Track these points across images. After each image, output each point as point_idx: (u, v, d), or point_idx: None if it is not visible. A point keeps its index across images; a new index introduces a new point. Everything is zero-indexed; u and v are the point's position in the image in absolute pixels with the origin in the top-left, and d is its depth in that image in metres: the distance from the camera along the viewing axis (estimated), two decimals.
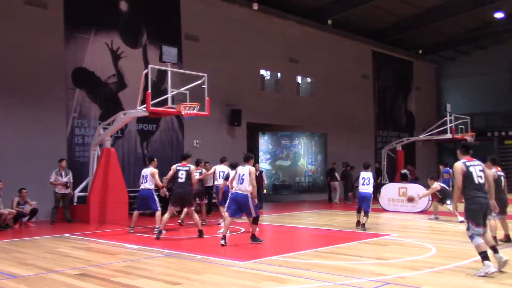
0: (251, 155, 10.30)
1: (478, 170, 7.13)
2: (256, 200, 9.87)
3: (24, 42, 14.80)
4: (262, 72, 22.95)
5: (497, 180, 9.53)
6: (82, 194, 14.87)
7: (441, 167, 21.74)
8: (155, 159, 12.24)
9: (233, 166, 11.64)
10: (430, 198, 15.39)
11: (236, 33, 20.62)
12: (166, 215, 10.79)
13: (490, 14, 25.82)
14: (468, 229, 7.01)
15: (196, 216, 10.88)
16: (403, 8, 24.66)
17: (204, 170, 13.49)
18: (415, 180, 21.63)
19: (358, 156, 24.18)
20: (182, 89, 13.25)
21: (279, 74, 23.54)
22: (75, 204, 14.83)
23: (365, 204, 12.03)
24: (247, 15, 21.01)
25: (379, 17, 25.44)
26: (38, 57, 15.10)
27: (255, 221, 9.82)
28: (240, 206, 9.71)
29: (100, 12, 16.53)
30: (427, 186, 15.53)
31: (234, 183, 10.03)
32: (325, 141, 24.10)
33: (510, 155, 30.18)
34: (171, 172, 11.07)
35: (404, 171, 21.42)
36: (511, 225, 10.12)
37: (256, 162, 18.66)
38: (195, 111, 12.51)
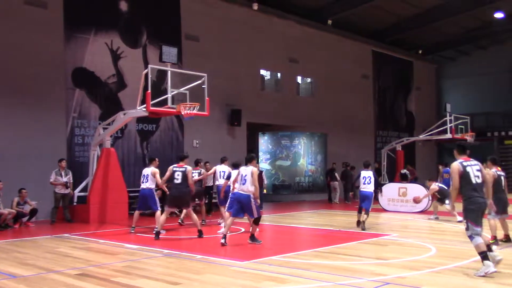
0: (254, 156, 10.34)
1: (475, 170, 7.12)
2: (258, 201, 9.88)
3: (24, 42, 14.80)
4: (262, 72, 22.95)
5: (497, 180, 9.54)
6: (82, 194, 14.87)
7: (440, 167, 21.75)
8: (156, 159, 12.25)
9: (235, 166, 11.67)
10: (430, 198, 15.39)
11: (236, 33, 20.62)
12: (163, 216, 10.79)
13: (490, 14, 25.82)
14: (467, 229, 7.01)
15: (194, 216, 10.87)
16: (403, 8, 24.67)
17: (203, 170, 13.47)
18: (414, 180, 21.63)
19: (358, 156, 24.16)
20: (182, 89, 13.25)
21: (279, 74, 23.54)
22: (75, 204, 14.83)
23: (366, 203, 12.10)
24: (247, 15, 21.01)
25: (379, 17, 25.44)
26: (38, 57, 15.10)
27: (256, 221, 9.83)
28: (242, 206, 9.74)
29: (100, 12, 16.53)
30: (426, 188, 15.55)
31: (237, 184, 10.05)
32: (325, 141, 24.11)
33: (510, 155, 30.19)
34: (168, 173, 11.06)
35: (404, 171, 21.42)
36: (511, 225, 10.10)
37: (256, 162, 18.66)
38: (195, 111, 12.51)
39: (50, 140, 15.15)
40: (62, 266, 7.88)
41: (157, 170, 11.72)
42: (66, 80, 15.70)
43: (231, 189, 11.17)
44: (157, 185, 11.84)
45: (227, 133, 20.29)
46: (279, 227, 13.25)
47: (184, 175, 10.73)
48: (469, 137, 23.61)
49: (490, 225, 9.56)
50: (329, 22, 23.99)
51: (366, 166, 12.64)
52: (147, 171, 11.87)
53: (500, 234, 9.75)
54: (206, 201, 16.36)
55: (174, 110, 12.79)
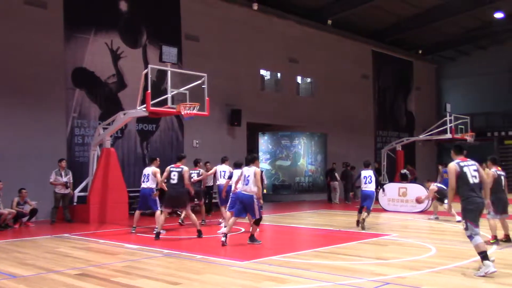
0: (256, 156, 10.35)
1: (473, 170, 7.13)
2: (261, 201, 9.88)
3: (24, 42, 14.80)
4: (262, 72, 22.96)
5: (497, 180, 9.54)
6: (82, 194, 14.87)
7: (440, 167, 21.74)
8: (157, 158, 12.26)
9: (237, 165, 11.70)
10: (430, 198, 15.40)
11: (236, 33, 20.62)
12: (161, 216, 10.78)
13: (490, 14, 25.83)
14: (466, 229, 7.01)
15: (193, 216, 10.86)
16: (403, 8, 24.67)
17: (202, 171, 13.44)
18: (414, 180, 21.63)
19: (358, 156, 24.16)
20: (182, 89, 13.25)
21: (279, 74, 23.54)
22: (75, 204, 14.83)
23: (367, 202, 12.19)
24: (247, 15, 21.01)
25: (379, 17, 25.45)
26: (38, 57, 15.10)
27: (257, 222, 9.83)
28: (245, 206, 9.75)
29: (100, 12, 16.54)
30: (426, 188, 15.58)
31: (239, 184, 10.08)
32: (325, 141, 24.11)
33: (510, 155, 30.19)
34: (165, 174, 11.07)
35: (404, 171, 21.41)
36: (511, 225, 10.10)
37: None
38: (195, 111, 12.50)
39: (50, 140, 15.15)
40: (62, 266, 7.88)
41: (157, 170, 11.72)
42: (66, 80, 15.70)
43: (232, 189, 11.20)
44: (157, 185, 11.84)
45: (227, 133, 20.29)
46: (279, 227, 13.25)
47: (180, 175, 10.71)
48: (469, 137, 23.62)
49: (490, 225, 9.57)
50: (329, 22, 24.00)
51: (366, 166, 12.70)
52: (148, 170, 11.88)
53: (500, 234, 9.75)
54: (207, 201, 16.39)
55: (174, 110, 12.79)
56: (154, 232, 10.82)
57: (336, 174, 21.28)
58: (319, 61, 24.22)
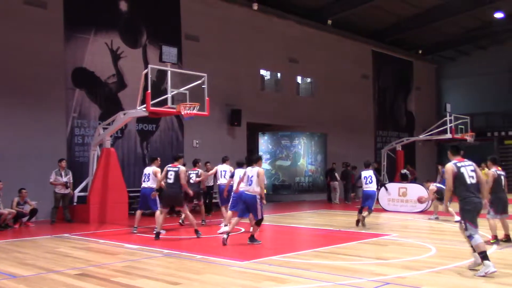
0: (260, 156, 10.37)
1: (470, 170, 7.15)
2: (264, 201, 9.89)
3: (24, 42, 14.80)
4: (262, 72, 22.95)
5: (497, 180, 9.55)
6: (82, 194, 14.87)
7: (439, 167, 21.77)
8: (158, 158, 12.25)
9: (239, 164, 11.72)
10: (431, 199, 15.40)
11: (236, 33, 20.62)
12: (161, 216, 10.77)
13: (490, 14, 25.83)
14: (466, 229, 7.03)
15: (190, 216, 10.84)
16: (403, 8, 24.66)
17: (201, 171, 13.34)
18: (414, 180, 21.63)
19: (358, 156, 24.15)
20: (182, 89, 13.25)
21: (279, 74, 23.54)
22: (75, 204, 14.83)
23: (369, 202, 12.36)
24: (247, 15, 21.01)
25: (379, 17, 25.44)
26: (38, 57, 15.10)
27: (258, 222, 9.83)
28: (248, 206, 9.76)
29: (100, 12, 16.53)
30: (426, 188, 15.60)
31: (243, 184, 10.11)
32: (325, 141, 24.11)
33: (510, 155, 30.18)
34: (163, 173, 11.09)
35: (404, 171, 21.41)
36: (511, 225, 10.10)
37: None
38: (195, 111, 12.50)
39: (50, 140, 15.15)
40: (62, 266, 7.88)
41: (158, 170, 11.71)
42: (66, 80, 15.70)
43: (233, 189, 11.23)
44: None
45: (227, 133, 20.28)
46: (279, 227, 13.25)
47: (177, 175, 10.69)
48: (469, 137, 23.62)
49: (490, 225, 9.57)
50: (329, 22, 23.99)
51: (367, 166, 12.81)
52: (148, 170, 11.88)
53: (501, 234, 9.75)
54: (207, 201, 16.39)
55: (174, 110, 12.78)
56: (154, 232, 10.82)
57: (336, 174, 21.28)
58: (319, 61, 24.22)
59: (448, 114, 23.13)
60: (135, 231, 11.59)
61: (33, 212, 13.65)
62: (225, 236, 9.63)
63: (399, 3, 24.08)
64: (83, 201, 14.66)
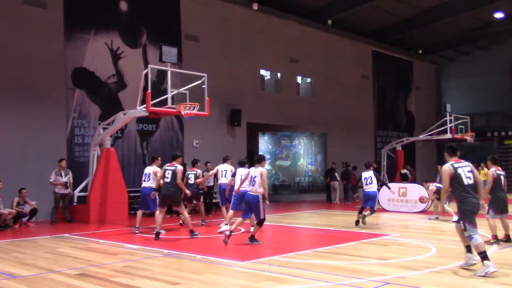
0: (264, 157, 10.36)
1: (467, 171, 7.18)
2: (267, 202, 9.89)
3: (24, 42, 14.80)
4: (262, 72, 22.94)
5: (496, 179, 9.55)
6: (82, 194, 14.88)
7: (439, 167, 21.79)
8: (158, 157, 12.25)
9: (241, 164, 11.75)
10: (432, 199, 15.40)
11: (236, 33, 20.62)
12: (160, 216, 10.75)
13: (490, 14, 25.84)
14: (465, 230, 7.05)
15: (186, 216, 10.83)
16: (403, 8, 24.67)
17: (199, 171, 13.27)
18: (414, 180, 21.65)
19: (358, 156, 24.20)
20: (182, 89, 13.25)
21: (279, 74, 23.54)
22: (75, 204, 14.83)
23: (370, 203, 12.48)
24: (247, 15, 21.01)
25: (379, 17, 25.44)
26: (38, 57, 15.10)
27: (260, 223, 9.82)
28: (250, 206, 9.76)
29: (100, 12, 16.53)
30: (426, 189, 15.61)
31: (246, 184, 10.15)
32: (325, 141, 24.11)
33: (510, 155, 30.20)
34: (161, 173, 11.10)
35: (405, 171, 21.45)
36: (511, 225, 10.10)
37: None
38: (195, 111, 12.50)
39: (50, 140, 15.15)
40: (62, 266, 7.88)
41: (158, 169, 11.70)
42: (66, 80, 15.69)
43: (235, 188, 11.27)
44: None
45: (227, 133, 20.28)
46: (279, 227, 13.25)
47: (174, 174, 10.69)
48: (469, 137, 23.62)
49: (490, 225, 9.57)
50: (329, 22, 23.99)
51: (367, 167, 12.97)
52: (149, 170, 11.89)
53: (501, 234, 9.75)
54: (207, 201, 16.40)
55: (174, 110, 12.78)
56: (154, 232, 10.82)
57: (336, 174, 21.28)
58: (319, 61, 24.22)
59: (448, 114, 23.13)
60: (136, 231, 11.58)
61: (33, 212, 13.65)
62: (227, 233, 9.67)
63: (399, 3, 24.09)
64: (83, 201, 14.66)
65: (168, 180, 10.71)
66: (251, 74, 21.51)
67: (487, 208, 9.57)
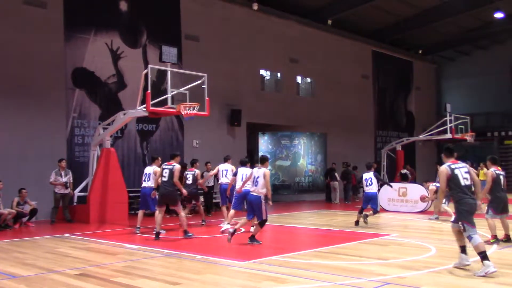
0: (267, 157, 10.37)
1: (464, 172, 7.23)
2: (270, 202, 9.90)
3: (24, 42, 14.80)
4: (262, 72, 22.94)
5: (496, 179, 9.56)
6: (82, 194, 14.87)
7: (439, 167, 21.77)
8: (159, 157, 12.24)
9: (243, 163, 11.77)
10: (432, 199, 15.41)
11: (236, 33, 20.62)
12: (159, 216, 10.74)
13: (490, 14, 25.84)
14: (464, 230, 7.07)
15: (182, 216, 10.79)
16: (403, 8, 24.67)
17: (197, 171, 13.19)
18: (414, 181, 21.65)
19: (358, 156, 24.24)
20: (182, 89, 13.25)
21: (279, 74, 23.54)
22: (75, 204, 14.83)
23: (372, 204, 12.61)
24: (247, 15, 21.01)
25: (379, 17, 25.44)
26: (38, 57, 15.09)
27: (262, 223, 9.82)
28: (252, 207, 9.79)
29: (100, 12, 16.53)
30: (426, 189, 15.62)
31: (249, 184, 10.19)
32: (325, 141, 24.11)
33: (510, 155, 30.20)
34: (159, 172, 11.10)
35: (405, 171, 21.44)
36: (511, 225, 10.10)
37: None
38: (195, 111, 12.50)
39: (50, 140, 15.15)
40: (62, 266, 7.88)
41: (158, 169, 11.69)
42: (66, 80, 15.69)
43: (236, 188, 11.30)
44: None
45: (227, 133, 20.28)
46: (279, 227, 13.25)
47: (171, 173, 10.68)
48: (469, 137, 23.62)
49: (489, 225, 9.58)
50: (329, 22, 23.99)
51: (368, 168, 13.07)
52: (149, 169, 11.89)
53: (501, 234, 9.75)
54: (208, 201, 16.39)
55: (174, 110, 12.77)
56: (154, 232, 10.82)
57: (336, 174, 21.28)
58: (319, 61, 24.22)
59: (448, 114, 23.13)
60: (138, 231, 11.57)
61: (33, 212, 13.65)
62: (231, 230, 9.71)
63: (399, 3, 24.09)
64: (83, 201, 14.66)
65: (165, 179, 10.71)
66: (251, 74, 21.51)
67: (486, 208, 9.59)
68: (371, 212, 12.71)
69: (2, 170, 13.44)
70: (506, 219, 9.82)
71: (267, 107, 21.74)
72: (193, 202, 13.26)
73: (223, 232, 11.33)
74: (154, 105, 12.57)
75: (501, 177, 9.69)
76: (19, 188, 13.48)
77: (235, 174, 11.90)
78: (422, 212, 16.08)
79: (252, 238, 9.80)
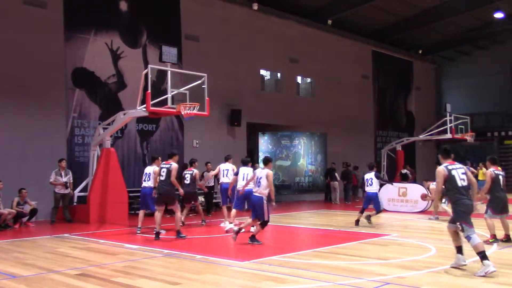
0: (271, 159, 10.37)
1: (461, 173, 7.27)
2: (274, 204, 9.90)
3: (24, 42, 14.80)
4: (262, 72, 22.94)
5: (495, 179, 9.58)
6: (82, 194, 14.87)
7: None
8: (159, 157, 12.24)
9: (244, 162, 11.79)
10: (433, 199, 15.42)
11: (236, 33, 20.62)
12: (158, 215, 10.73)
13: (490, 14, 25.84)
14: (462, 230, 7.10)
15: (178, 216, 10.77)
16: (403, 8, 24.67)
17: (195, 171, 13.16)
18: (414, 180, 21.65)
19: (358, 156, 24.25)
20: (182, 89, 13.25)
21: (279, 74, 23.54)
22: (75, 204, 14.83)
23: (375, 204, 12.69)
24: (247, 15, 21.01)
25: (379, 17, 25.44)
26: (38, 57, 15.09)
27: (263, 224, 9.82)
28: (255, 207, 9.81)
29: (100, 12, 16.53)
30: (426, 188, 15.62)
31: (251, 185, 10.25)
32: (325, 141, 24.11)
33: (510, 155, 30.20)
34: (157, 171, 11.11)
35: (405, 171, 21.44)
36: (511, 225, 10.10)
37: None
38: (195, 111, 12.50)
39: (50, 140, 15.15)
40: (62, 266, 7.88)
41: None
42: (66, 80, 15.69)
43: (237, 187, 11.32)
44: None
45: (227, 133, 20.28)
46: (279, 227, 13.24)
47: (169, 172, 10.67)
48: (469, 137, 23.62)
49: (488, 225, 9.59)
50: (329, 22, 23.99)
51: (370, 168, 13.19)
52: (149, 169, 11.89)
53: (501, 234, 9.75)
54: (208, 201, 16.39)
55: (174, 110, 12.77)
56: (154, 232, 10.82)
57: (336, 174, 21.27)
58: (319, 61, 24.22)
59: (448, 114, 23.13)
60: (139, 232, 11.56)
61: (33, 212, 13.65)
62: (235, 229, 9.75)
63: (399, 3, 24.08)
64: (83, 201, 14.66)
65: (163, 178, 10.71)
66: (251, 74, 21.51)
67: (484, 208, 9.61)
68: (373, 212, 12.76)
69: (2, 170, 13.44)
70: (506, 219, 9.82)
71: (267, 107, 21.73)
72: (192, 202, 13.25)
73: (227, 231, 11.35)
74: (154, 105, 12.57)
75: (500, 177, 9.70)
76: (19, 188, 13.48)
77: (236, 174, 11.92)
78: (422, 212, 16.08)
79: (253, 238, 9.81)
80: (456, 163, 7.44)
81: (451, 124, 22.96)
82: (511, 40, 29.98)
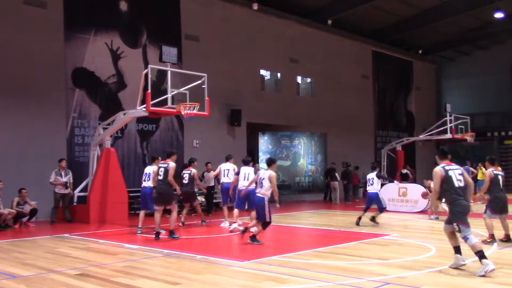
0: (274, 160, 10.39)
1: (458, 174, 7.30)
2: (277, 205, 9.91)
3: (24, 42, 14.80)
4: (262, 72, 22.94)
5: (494, 179, 9.59)
6: (82, 194, 14.87)
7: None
8: (159, 157, 12.23)
9: (245, 162, 11.80)
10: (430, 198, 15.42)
11: (236, 33, 20.62)
12: (158, 215, 10.72)
13: (490, 14, 25.84)
14: (459, 231, 7.11)
15: (174, 216, 10.71)
16: (403, 8, 24.67)
17: (194, 170, 13.10)
18: (414, 180, 21.65)
19: (358, 156, 24.25)
20: (182, 89, 13.25)
21: (279, 74, 23.54)
22: (75, 204, 14.83)
23: (377, 205, 12.82)
24: (247, 15, 21.01)
25: (379, 17, 25.44)
26: (38, 57, 15.09)
27: (264, 225, 9.82)
28: (257, 208, 9.84)
29: (100, 12, 16.53)
30: (426, 188, 15.61)
31: (254, 186, 10.29)
32: (325, 141, 24.11)
33: (510, 155, 30.19)
34: (156, 170, 11.11)
35: (405, 171, 21.43)
36: (511, 225, 10.10)
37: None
38: (195, 111, 12.50)
39: (50, 140, 15.15)
40: (62, 266, 7.88)
41: None
42: (66, 80, 15.69)
43: (238, 187, 11.34)
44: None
45: (227, 133, 20.28)
46: (279, 227, 13.23)
47: (166, 171, 10.65)
48: (469, 137, 23.62)
49: (487, 224, 9.60)
50: (329, 22, 23.99)
51: (372, 169, 13.30)
52: (149, 169, 11.88)
53: (500, 234, 9.75)
54: (208, 201, 16.40)
55: (174, 110, 12.77)
56: (154, 232, 10.81)
57: (336, 174, 21.27)
58: (319, 61, 24.22)
59: (448, 114, 23.13)
60: (139, 232, 11.55)
61: (33, 212, 13.65)
62: (241, 228, 9.82)
63: (399, 3, 24.08)
64: (83, 201, 14.66)
65: (161, 177, 10.71)
66: (251, 74, 21.51)
67: (484, 208, 9.62)
68: (377, 212, 12.89)
69: (2, 170, 13.44)
70: (505, 219, 9.82)
71: (267, 107, 21.73)
72: (190, 202, 13.21)
73: (232, 231, 11.36)
74: (154, 105, 12.57)
75: (500, 177, 9.71)
76: (19, 188, 13.48)
77: (237, 173, 11.93)
78: (422, 212, 16.08)
79: (253, 238, 9.80)
80: (453, 164, 7.47)
81: (451, 124, 22.96)
82: (511, 40, 29.97)
